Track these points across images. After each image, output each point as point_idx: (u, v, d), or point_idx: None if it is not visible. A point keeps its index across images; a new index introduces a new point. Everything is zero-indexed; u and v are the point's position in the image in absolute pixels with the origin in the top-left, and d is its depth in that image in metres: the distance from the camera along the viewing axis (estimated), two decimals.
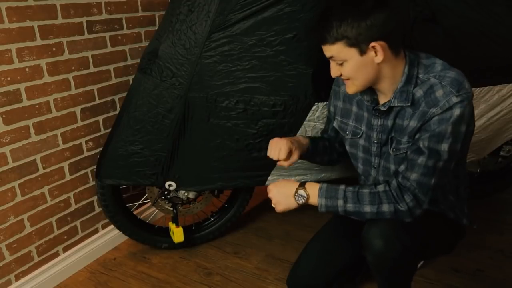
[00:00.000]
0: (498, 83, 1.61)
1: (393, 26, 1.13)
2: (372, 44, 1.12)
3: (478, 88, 1.58)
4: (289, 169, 1.74)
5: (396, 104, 1.20)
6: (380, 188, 1.22)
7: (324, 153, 1.48)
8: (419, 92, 1.17)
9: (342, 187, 1.24)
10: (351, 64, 1.16)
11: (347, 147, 1.43)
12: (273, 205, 1.30)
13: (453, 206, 1.35)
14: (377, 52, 1.13)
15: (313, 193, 1.25)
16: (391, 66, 1.18)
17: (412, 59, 1.19)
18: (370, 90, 1.26)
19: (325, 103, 1.54)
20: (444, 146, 1.14)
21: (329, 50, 1.17)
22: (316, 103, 1.53)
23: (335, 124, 1.44)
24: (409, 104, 1.18)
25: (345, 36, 1.12)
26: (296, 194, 1.26)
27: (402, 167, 1.21)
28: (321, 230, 1.50)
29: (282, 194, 1.28)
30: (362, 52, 1.14)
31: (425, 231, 1.25)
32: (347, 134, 1.39)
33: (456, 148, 1.16)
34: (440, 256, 1.45)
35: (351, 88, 1.23)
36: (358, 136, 1.36)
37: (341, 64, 1.18)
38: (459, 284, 1.71)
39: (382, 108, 1.23)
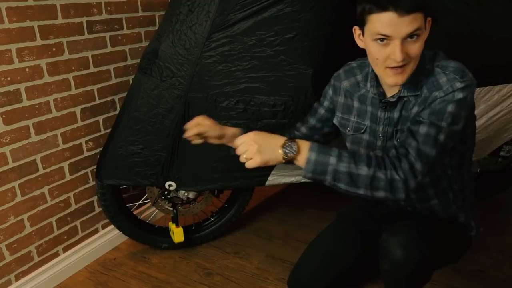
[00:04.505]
0: (498, 83, 1.61)
1: None
2: (429, 18, 1.08)
3: (478, 88, 1.58)
4: (289, 169, 1.74)
5: (406, 94, 1.17)
6: (378, 153, 1.19)
7: None
8: (423, 82, 1.16)
9: (337, 148, 1.11)
10: (423, 39, 1.05)
11: (348, 144, 1.39)
12: (247, 156, 1.07)
13: (464, 207, 1.33)
14: (427, 28, 1.09)
15: (304, 146, 1.07)
16: None
17: None
18: (377, 83, 1.23)
19: None
20: (444, 124, 1.09)
21: (412, 21, 1.02)
22: (316, 103, 1.53)
23: (335, 120, 1.39)
24: (418, 93, 1.16)
25: (425, 4, 1.02)
26: (285, 144, 1.06)
27: (401, 137, 1.17)
28: (322, 232, 1.49)
29: (267, 142, 1.07)
30: (425, 26, 1.08)
31: (439, 240, 1.23)
32: (348, 131, 1.35)
33: (455, 130, 1.11)
34: (447, 266, 1.44)
35: (406, 73, 1.11)
36: (362, 132, 1.32)
37: (414, 41, 1.05)
38: (460, 284, 1.71)
39: (392, 100, 1.20)
